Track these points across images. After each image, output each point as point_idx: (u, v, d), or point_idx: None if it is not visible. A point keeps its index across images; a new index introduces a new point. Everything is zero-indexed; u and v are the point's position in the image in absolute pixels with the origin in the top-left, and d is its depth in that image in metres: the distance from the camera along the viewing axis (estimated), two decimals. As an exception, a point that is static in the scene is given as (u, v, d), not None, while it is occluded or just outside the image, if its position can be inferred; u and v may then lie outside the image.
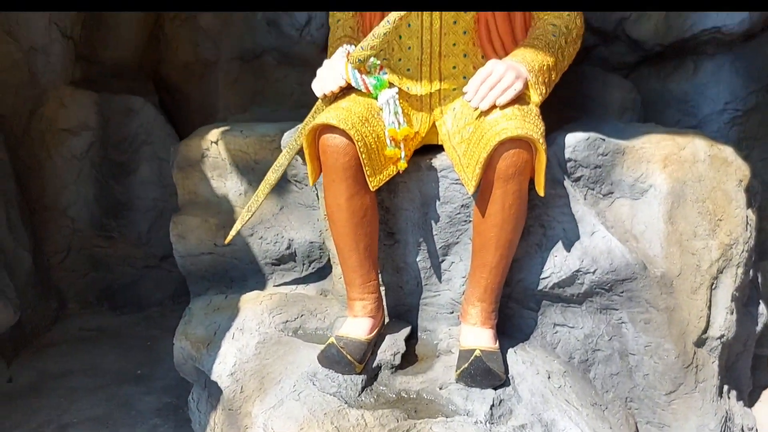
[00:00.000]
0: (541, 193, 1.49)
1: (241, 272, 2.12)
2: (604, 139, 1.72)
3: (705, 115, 2.50)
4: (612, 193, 1.78)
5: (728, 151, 1.78)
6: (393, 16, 1.54)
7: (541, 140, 1.44)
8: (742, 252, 1.77)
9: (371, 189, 1.57)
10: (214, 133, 2.13)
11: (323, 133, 1.55)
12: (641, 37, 2.41)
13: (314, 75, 1.72)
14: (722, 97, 2.48)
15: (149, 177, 3.02)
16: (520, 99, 1.54)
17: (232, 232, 1.97)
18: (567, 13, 1.71)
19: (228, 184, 2.17)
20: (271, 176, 1.85)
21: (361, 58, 1.59)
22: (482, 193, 1.51)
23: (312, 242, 2.09)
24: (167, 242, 2.30)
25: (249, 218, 1.93)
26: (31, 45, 2.68)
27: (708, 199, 1.73)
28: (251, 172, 2.13)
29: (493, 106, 1.51)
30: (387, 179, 1.60)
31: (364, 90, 1.61)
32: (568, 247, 1.66)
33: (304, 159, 1.76)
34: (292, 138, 1.79)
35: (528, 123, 1.45)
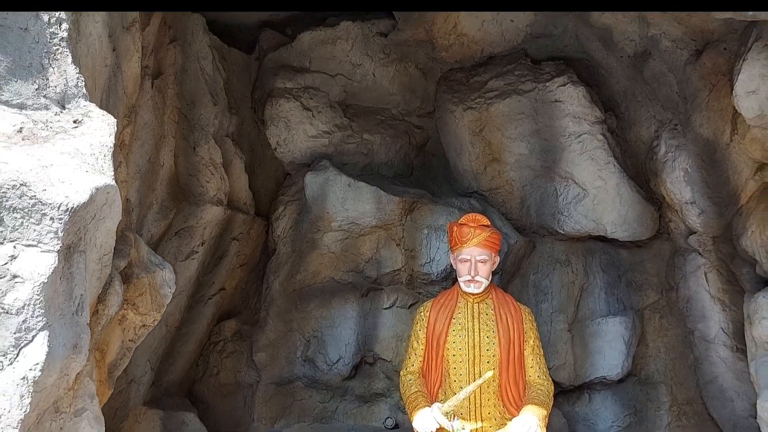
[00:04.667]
0: (559, 493, 2.65)
1: None
2: (571, 456, 2.96)
3: (601, 429, 3.89)
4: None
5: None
6: (471, 388, 2.78)
7: (557, 462, 2.64)
8: None
9: (461, 492, 2.63)
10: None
11: (431, 458, 2.63)
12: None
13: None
14: (609, 417, 3.91)
15: (193, 480, 3.73)
16: (537, 436, 2.77)
17: None
18: (545, 379, 3.05)
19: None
20: (373, 483, 2.83)
21: (448, 411, 2.77)
22: (526, 491, 2.64)
23: None
24: None
25: None
26: (133, 378, 3.53)
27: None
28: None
29: (527, 441, 2.72)
30: (466, 485, 2.68)
31: (450, 430, 2.76)
32: None
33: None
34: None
35: (549, 452, 2.66)
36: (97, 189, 1.67)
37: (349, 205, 3.72)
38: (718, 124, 3.48)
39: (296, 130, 3.86)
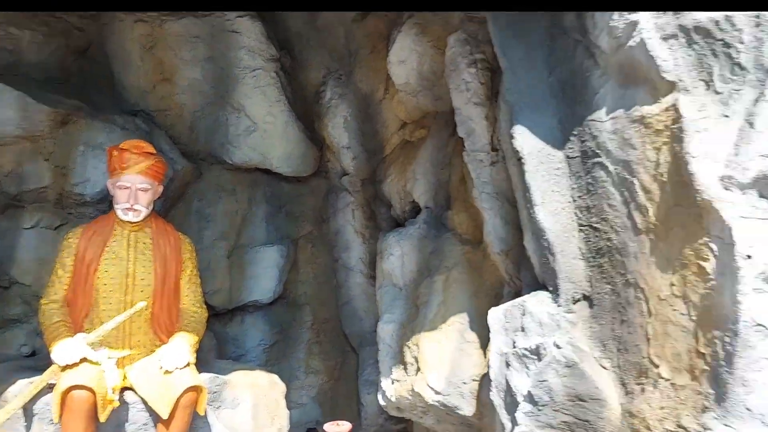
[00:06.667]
0: (202, 414, 2.80)
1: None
2: (218, 376, 3.15)
3: (249, 347, 4.19)
4: (221, 406, 3.17)
5: (276, 378, 3.41)
6: (120, 318, 2.71)
7: (203, 385, 2.79)
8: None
9: (102, 421, 2.60)
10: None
11: (73, 389, 2.54)
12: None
13: None
14: (258, 336, 4.22)
15: None
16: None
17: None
18: (199, 307, 3.15)
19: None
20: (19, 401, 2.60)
21: (93, 341, 2.68)
22: (170, 415, 2.72)
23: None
24: None
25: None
26: None
27: (269, 405, 3.29)
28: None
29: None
30: (108, 414, 2.66)
31: (95, 360, 2.67)
32: (208, 441, 2.97)
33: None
34: (32, 386, 2.62)
35: (195, 376, 2.79)
36: None
37: (-12, 109, 3.22)
38: (374, 82, 3.87)
39: None
